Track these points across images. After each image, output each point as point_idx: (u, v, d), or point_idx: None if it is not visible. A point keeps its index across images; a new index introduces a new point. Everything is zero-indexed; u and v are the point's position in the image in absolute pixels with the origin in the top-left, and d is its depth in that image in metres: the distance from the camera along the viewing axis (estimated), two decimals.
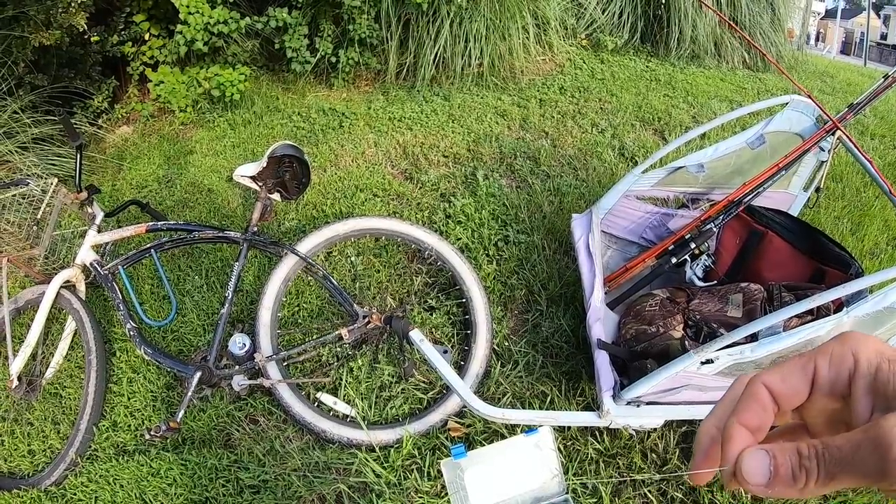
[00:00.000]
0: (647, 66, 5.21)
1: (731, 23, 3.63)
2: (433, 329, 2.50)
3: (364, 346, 2.39)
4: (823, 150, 2.39)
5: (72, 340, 2.45)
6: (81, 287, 2.40)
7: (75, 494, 2.03)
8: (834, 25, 23.71)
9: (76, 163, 2.38)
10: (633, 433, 2.02)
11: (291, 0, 4.15)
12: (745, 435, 0.37)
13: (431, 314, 2.54)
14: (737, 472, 0.36)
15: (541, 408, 2.15)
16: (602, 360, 1.95)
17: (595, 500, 1.84)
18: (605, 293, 2.29)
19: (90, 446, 2.17)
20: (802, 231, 2.29)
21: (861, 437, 0.32)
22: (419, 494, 1.87)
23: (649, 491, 1.88)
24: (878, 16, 33.80)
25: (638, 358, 2.06)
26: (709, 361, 1.63)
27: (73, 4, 3.33)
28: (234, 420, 2.20)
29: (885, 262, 2.89)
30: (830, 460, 0.33)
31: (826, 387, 0.37)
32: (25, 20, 3.38)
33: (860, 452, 0.31)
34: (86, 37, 3.80)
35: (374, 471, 1.94)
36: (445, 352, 2.19)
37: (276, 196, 2.45)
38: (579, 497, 1.85)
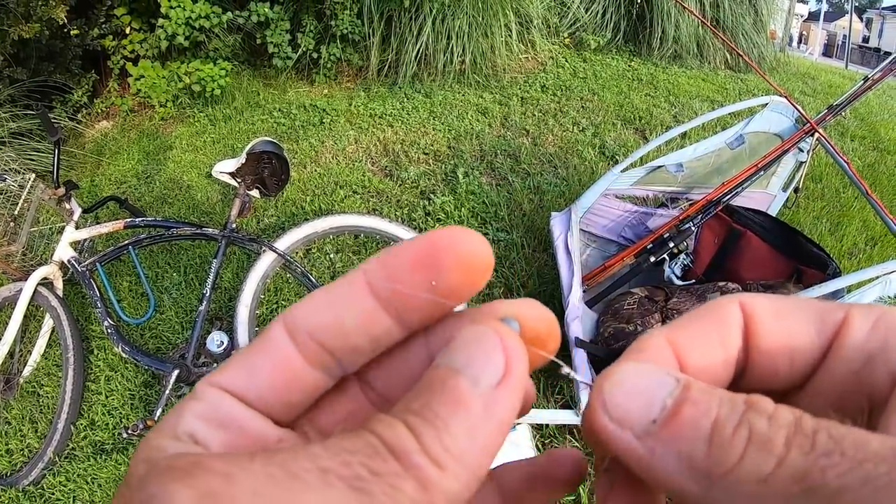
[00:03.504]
0: (629, 66, 5.24)
1: (712, 27, 3.67)
2: None
3: None
4: (802, 151, 2.42)
5: (49, 338, 2.42)
6: (59, 284, 2.37)
7: (53, 494, 2.02)
8: (816, 28, 23.96)
9: (54, 158, 2.34)
10: None
11: None
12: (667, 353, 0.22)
13: None
14: (596, 390, 0.21)
15: None
16: (580, 358, 1.96)
17: (573, 499, 1.85)
18: (584, 291, 2.30)
19: (68, 445, 2.15)
20: (781, 231, 2.32)
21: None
22: None
23: None
24: (861, 19, 34.22)
25: (615, 356, 2.05)
26: None
27: None
28: None
29: (864, 263, 2.92)
30: (826, 443, 0.16)
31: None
32: (5, 12, 3.34)
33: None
34: (66, 30, 3.76)
35: None
36: None
37: (255, 192, 2.44)
38: None
